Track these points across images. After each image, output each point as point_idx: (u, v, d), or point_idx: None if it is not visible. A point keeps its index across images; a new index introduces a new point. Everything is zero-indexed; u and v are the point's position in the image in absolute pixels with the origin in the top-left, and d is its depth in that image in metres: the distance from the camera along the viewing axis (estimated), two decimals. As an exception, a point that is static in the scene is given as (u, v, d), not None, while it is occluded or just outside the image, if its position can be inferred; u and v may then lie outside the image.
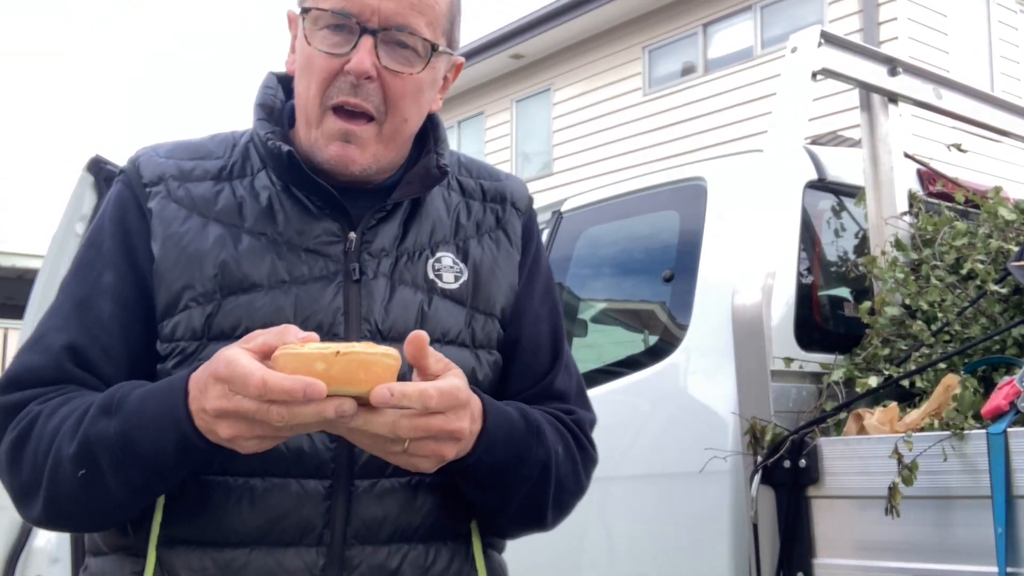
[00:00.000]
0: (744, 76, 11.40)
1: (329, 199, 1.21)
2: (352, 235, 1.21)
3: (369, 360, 0.95)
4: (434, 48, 1.19)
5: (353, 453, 1.13)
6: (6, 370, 1.19)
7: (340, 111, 1.19)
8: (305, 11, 1.19)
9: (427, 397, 0.98)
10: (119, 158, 3.34)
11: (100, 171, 3.25)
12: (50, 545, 3.10)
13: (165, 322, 1.16)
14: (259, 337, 0.99)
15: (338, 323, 1.17)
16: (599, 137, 12.95)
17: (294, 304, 1.16)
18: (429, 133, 1.31)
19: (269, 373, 0.93)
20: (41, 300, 3.18)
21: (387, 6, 1.16)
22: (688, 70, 12.41)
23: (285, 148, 1.19)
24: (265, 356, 0.97)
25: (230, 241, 1.18)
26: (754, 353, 2.32)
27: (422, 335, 1.02)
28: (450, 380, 1.02)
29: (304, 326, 1.13)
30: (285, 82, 1.32)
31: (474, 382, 1.21)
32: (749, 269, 2.44)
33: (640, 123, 12.50)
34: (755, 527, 2.21)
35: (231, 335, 1.14)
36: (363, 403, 0.96)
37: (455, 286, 1.25)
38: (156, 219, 1.20)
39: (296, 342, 0.97)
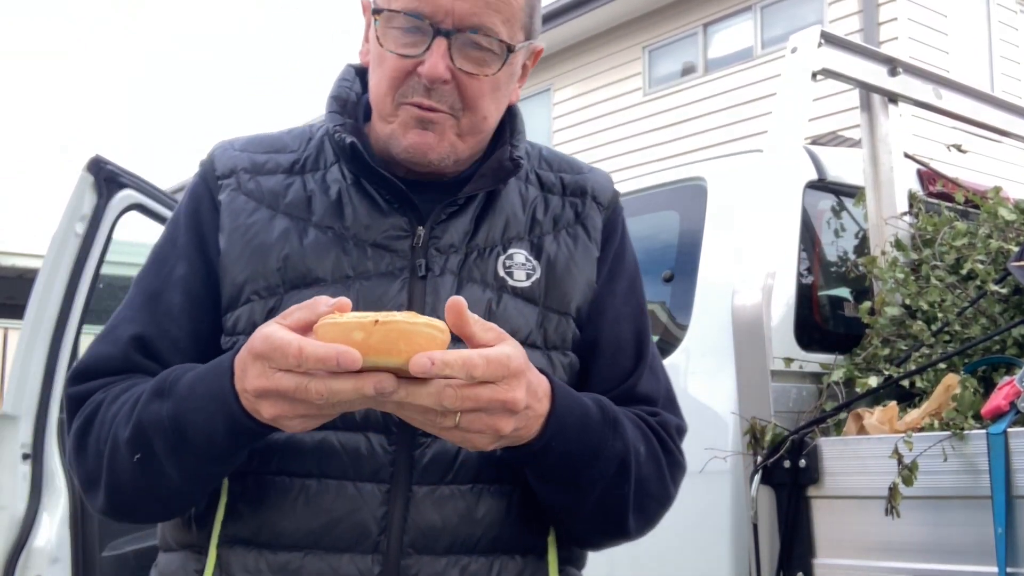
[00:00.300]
0: (744, 76, 11.40)
1: (398, 193, 1.18)
2: (420, 230, 1.18)
3: (410, 330, 0.90)
4: (510, 49, 1.15)
5: (412, 457, 1.10)
6: (76, 362, 1.19)
7: (415, 105, 1.15)
8: (377, 12, 1.15)
9: (472, 365, 0.92)
10: (119, 158, 3.35)
11: (100, 171, 3.25)
12: (50, 545, 3.09)
13: (228, 315, 1.16)
14: (295, 313, 0.96)
15: None
16: (599, 137, 12.95)
17: (356, 300, 1.12)
18: (506, 124, 1.26)
19: (306, 341, 0.91)
20: (41, 300, 3.18)
21: (461, 6, 1.11)
22: (688, 70, 12.41)
23: (348, 140, 1.17)
24: (303, 331, 0.94)
25: (295, 235, 1.16)
26: (754, 353, 2.32)
27: (460, 300, 0.95)
28: (501, 348, 0.96)
29: None
30: (363, 74, 1.28)
31: None
32: (749, 269, 2.43)
33: (640, 123, 12.50)
34: (755, 527, 2.21)
35: None
36: (406, 377, 0.91)
37: (526, 284, 1.19)
38: (225, 211, 1.19)
39: (329, 309, 0.94)
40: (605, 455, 1.10)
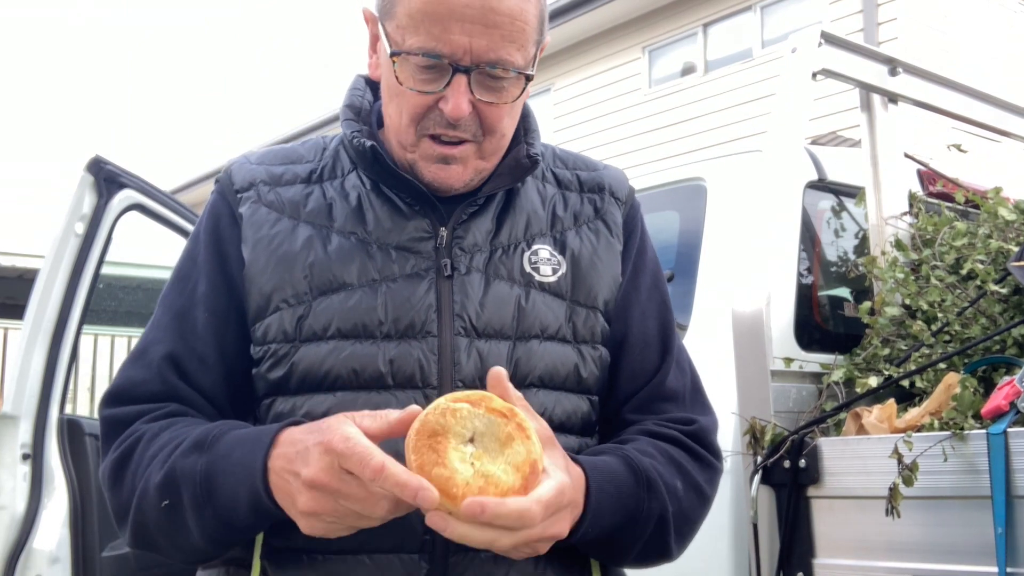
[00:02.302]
0: (744, 76, 11.39)
1: (419, 195, 1.19)
2: (443, 231, 1.19)
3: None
4: (528, 78, 1.17)
5: None
6: (110, 384, 1.21)
7: (436, 137, 1.16)
8: (395, 54, 1.14)
9: (530, 517, 0.92)
10: (119, 158, 3.35)
11: (100, 171, 3.25)
12: (50, 545, 3.09)
13: (257, 325, 1.17)
14: (365, 419, 0.97)
15: (431, 320, 1.15)
16: (599, 137, 12.94)
17: (385, 302, 1.14)
18: (519, 124, 1.27)
19: (390, 461, 0.91)
20: (41, 300, 3.18)
21: (479, 43, 1.11)
22: (688, 70, 12.40)
23: (368, 143, 1.18)
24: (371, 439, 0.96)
25: (319, 242, 1.18)
26: (754, 353, 2.32)
27: (500, 372, 0.99)
28: (554, 481, 0.97)
29: (396, 324, 1.14)
30: (372, 83, 1.30)
31: (578, 380, 1.19)
32: (749, 269, 2.43)
33: (640, 123, 12.50)
34: (755, 527, 2.21)
35: (322, 336, 1.14)
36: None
37: (553, 279, 1.21)
38: (247, 224, 1.20)
39: (403, 415, 0.96)
40: (643, 518, 1.12)
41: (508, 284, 1.18)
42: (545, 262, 1.21)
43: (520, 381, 1.15)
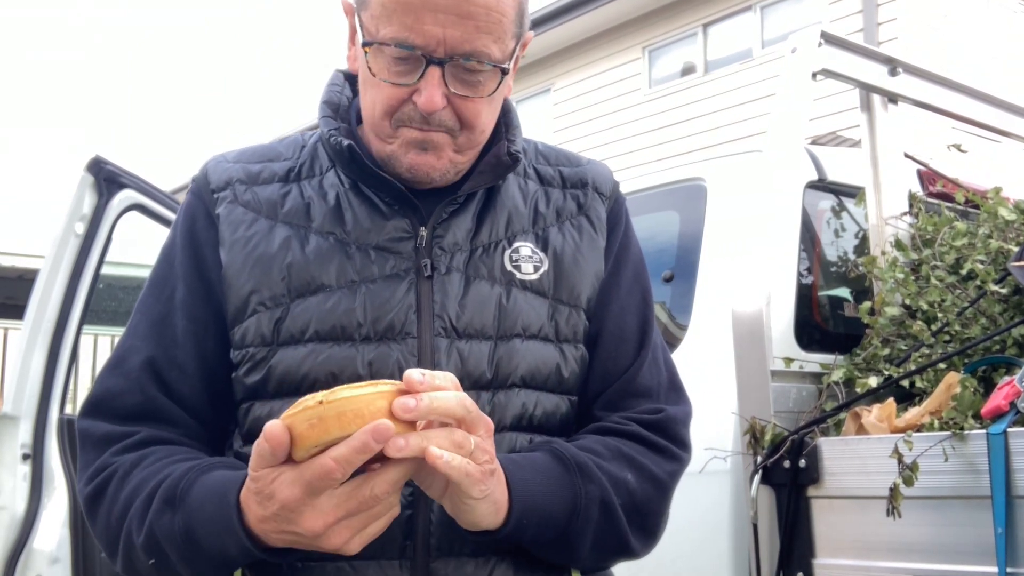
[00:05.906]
0: (744, 76, 11.40)
1: (398, 195, 1.17)
2: (423, 230, 1.17)
3: (354, 403, 0.88)
4: (504, 72, 1.13)
5: None
6: (88, 393, 1.19)
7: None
8: (367, 44, 1.12)
9: (456, 383, 0.94)
10: (119, 158, 3.35)
11: (100, 171, 3.26)
12: (50, 545, 3.10)
13: (235, 328, 1.15)
14: (264, 461, 0.95)
15: (410, 321, 1.13)
16: (599, 137, 12.95)
17: (364, 304, 1.12)
18: (500, 120, 1.25)
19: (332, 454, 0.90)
20: (41, 300, 3.19)
21: (452, 34, 1.08)
22: (688, 70, 12.41)
23: (346, 143, 1.16)
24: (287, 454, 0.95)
25: (297, 243, 1.16)
26: (754, 353, 2.32)
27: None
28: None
29: (375, 325, 1.12)
30: (351, 79, 1.27)
31: (559, 380, 1.17)
32: (749, 269, 2.44)
33: (640, 123, 12.50)
34: (755, 527, 2.21)
35: (300, 339, 1.12)
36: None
37: (535, 277, 1.18)
38: (223, 224, 1.18)
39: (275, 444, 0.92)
40: (583, 504, 1.09)
41: (489, 283, 1.16)
42: (527, 260, 1.19)
43: (502, 381, 1.14)
